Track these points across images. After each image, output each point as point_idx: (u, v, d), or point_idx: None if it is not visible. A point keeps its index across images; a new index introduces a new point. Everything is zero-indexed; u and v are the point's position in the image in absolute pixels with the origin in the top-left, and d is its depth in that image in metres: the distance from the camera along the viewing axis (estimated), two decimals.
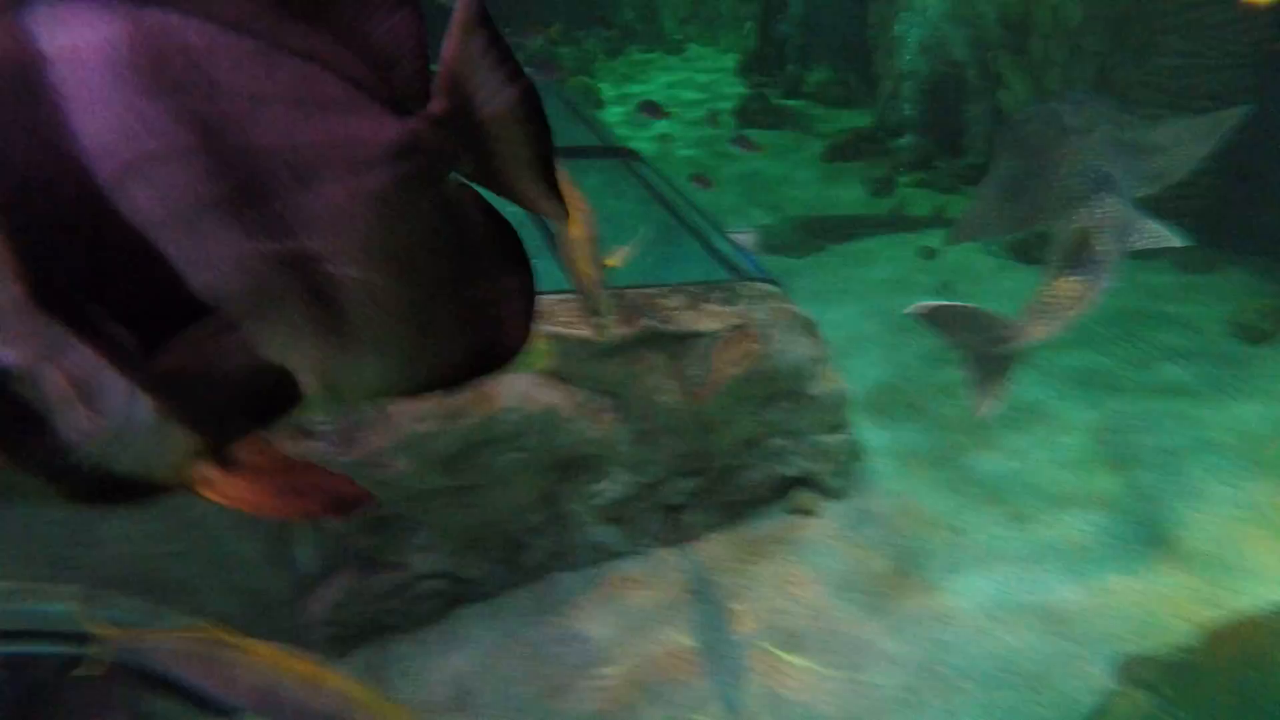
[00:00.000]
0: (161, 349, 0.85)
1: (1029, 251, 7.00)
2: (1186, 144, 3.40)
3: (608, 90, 12.38)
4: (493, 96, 1.02)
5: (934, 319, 3.20)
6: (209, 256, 0.85)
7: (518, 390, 3.33)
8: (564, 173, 2.36)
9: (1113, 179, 3.15)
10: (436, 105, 1.00)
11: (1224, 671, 2.75)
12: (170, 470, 0.94)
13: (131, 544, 3.09)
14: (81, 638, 2.90)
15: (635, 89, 12.69)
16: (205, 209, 0.84)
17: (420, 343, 1.05)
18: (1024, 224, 3.79)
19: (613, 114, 11.15)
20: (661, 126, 9.86)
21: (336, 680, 2.20)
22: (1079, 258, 3.04)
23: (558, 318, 3.34)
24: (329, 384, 1.01)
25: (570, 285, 2.11)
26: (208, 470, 0.97)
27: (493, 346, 1.12)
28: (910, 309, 3.25)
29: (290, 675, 2.19)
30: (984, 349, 3.16)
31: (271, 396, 0.98)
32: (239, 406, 0.96)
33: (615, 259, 2.26)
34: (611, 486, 3.84)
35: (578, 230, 2.20)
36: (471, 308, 1.09)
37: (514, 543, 3.80)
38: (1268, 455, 4.61)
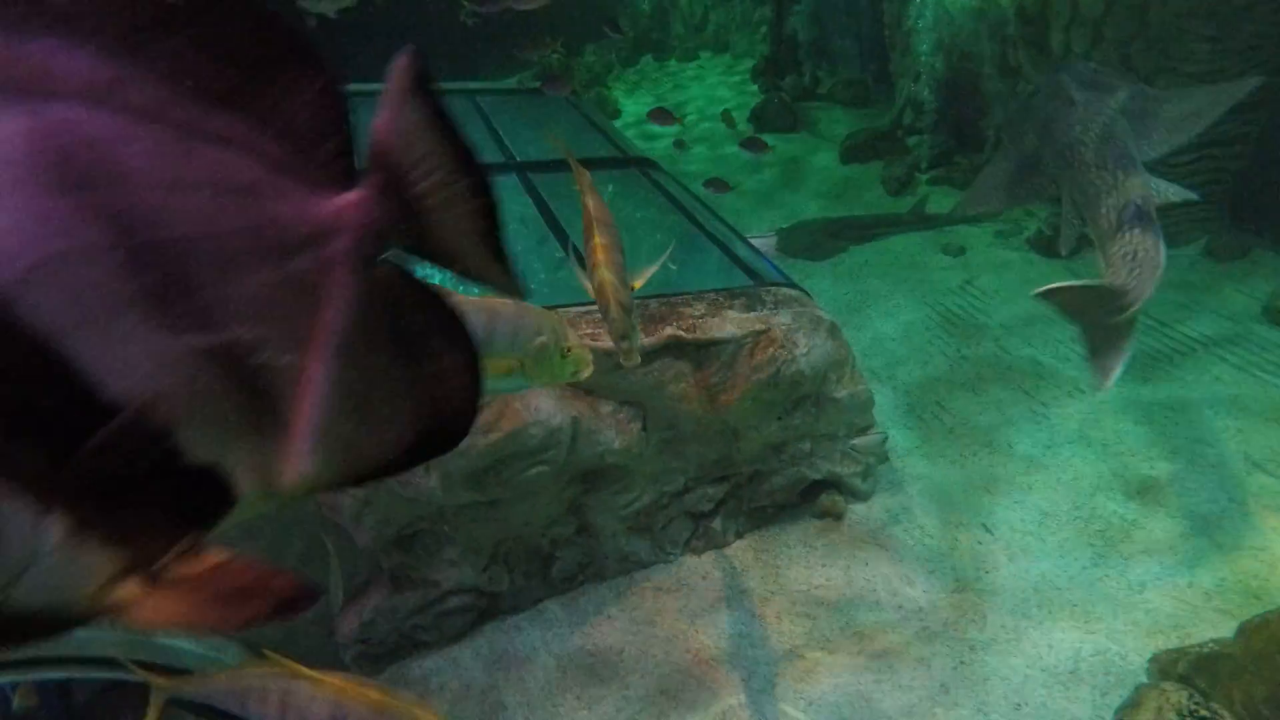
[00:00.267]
0: (72, 461, 0.78)
1: (1050, 246, 6.91)
2: (1193, 111, 3.41)
3: (623, 100, 12.43)
4: (432, 169, 0.98)
5: (1056, 300, 3.21)
6: (128, 358, 0.80)
7: (542, 404, 3.34)
8: (595, 193, 2.36)
9: (1119, 144, 3.17)
10: (367, 182, 0.96)
11: (1257, 663, 2.68)
12: (88, 598, 0.85)
13: None
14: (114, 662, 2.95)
15: (650, 98, 12.73)
16: (121, 308, 0.79)
17: (361, 429, 1.00)
18: (1033, 193, 3.82)
19: (628, 123, 11.19)
20: (675, 131, 9.87)
21: (405, 706, 2.20)
22: (1123, 217, 3.06)
23: (581, 329, 3.35)
24: (265, 480, 0.95)
25: (594, 302, 2.09)
26: (132, 590, 0.88)
27: (439, 427, 1.07)
28: (1035, 292, 3.26)
29: (359, 703, 2.20)
30: (1105, 319, 3.16)
31: (201, 501, 0.91)
32: (164, 516, 0.89)
33: (639, 280, 2.24)
34: (638, 496, 3.84)
35: (602, 254, 2.19)
36: (414, 389, 1.04)
37: (542, 555, 3.80)
38: None
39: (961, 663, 3.46)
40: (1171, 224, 6.64)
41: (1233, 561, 3.82)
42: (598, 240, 2.22)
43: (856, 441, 4.22)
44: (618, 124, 10.65)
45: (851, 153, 9.27)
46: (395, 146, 0.97)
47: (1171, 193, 3.12)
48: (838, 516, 4.28)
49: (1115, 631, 3.53)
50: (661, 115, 7.60)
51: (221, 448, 0.89)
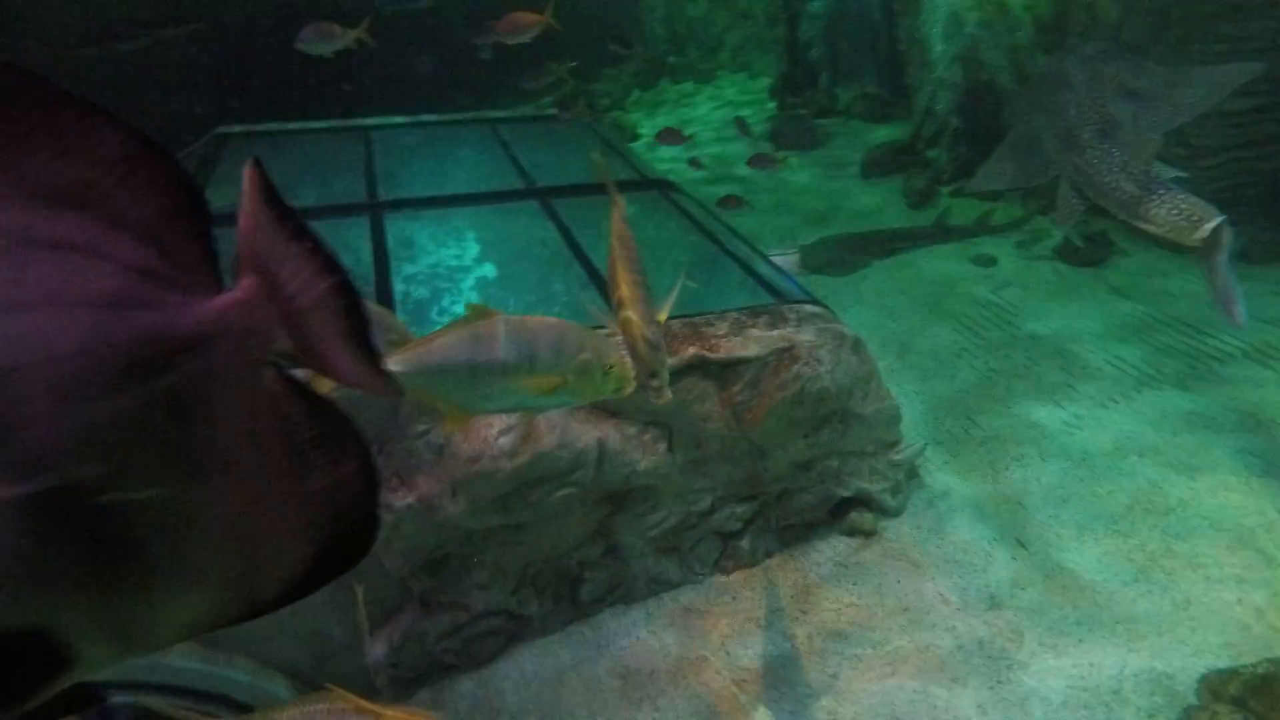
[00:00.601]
0: None
1: (1077, 255, 6.83)
2: (1196, 92, 3.42)
3: (642, 123, 12.53)
4: (296, 272, 0.92)
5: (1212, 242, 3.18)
6: None
7: (569, 426, 3.35)
8: (624, 225, 2.39)
9: (1118, 124, 3.20)
10: (243, 285, 0.89)
11: None
12: None
13: None
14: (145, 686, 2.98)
15: (670, 120, 12.82)
16: None
17: (242, 560, 0.89)
18: (1039, 172, 3.86)
19: (647, 147, 11.27)
20: (693, 152, 9.91)
21: None
22: (1149, 186, 3.07)
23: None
24: (120, 634, 0.81)
25: (621, 337, 2.10)
26: None
27: (337, 544, 0.98)
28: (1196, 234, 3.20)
29: None
30: (1221, 262, 3.16)
31: (21, 670, 0.76)
32: None
33: (664, 311, 2.26)
34: (666, 517, 3.82)
35: (628, 290, 2.20)
36: (303, 507, 0.95)
37: (571, 578, 3.79)
38: None
39: (999, 682, 3.39)
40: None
41: None
42: (622, 275, 2.23)
43: (896, 455, 4.18)
44: (637, 146, 10.74)
45: (871, 167, 9.26)
46: (261, 250, 0.92)
47: (1168, 173, 3.14)
48: (868, 534, 4.22)
49: (1161, 650, 3.43)
50: (670, 135, 7.63)
51: (54, 609, 0.74)
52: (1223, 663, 3.24)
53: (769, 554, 4.16)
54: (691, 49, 15.75)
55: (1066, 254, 6.91)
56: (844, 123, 11.02)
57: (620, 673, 3.59)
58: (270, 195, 0.94)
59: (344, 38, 4.76)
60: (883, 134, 10.25)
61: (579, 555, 3.75)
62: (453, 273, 4.52)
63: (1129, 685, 3.29)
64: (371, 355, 1.00)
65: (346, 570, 1.00)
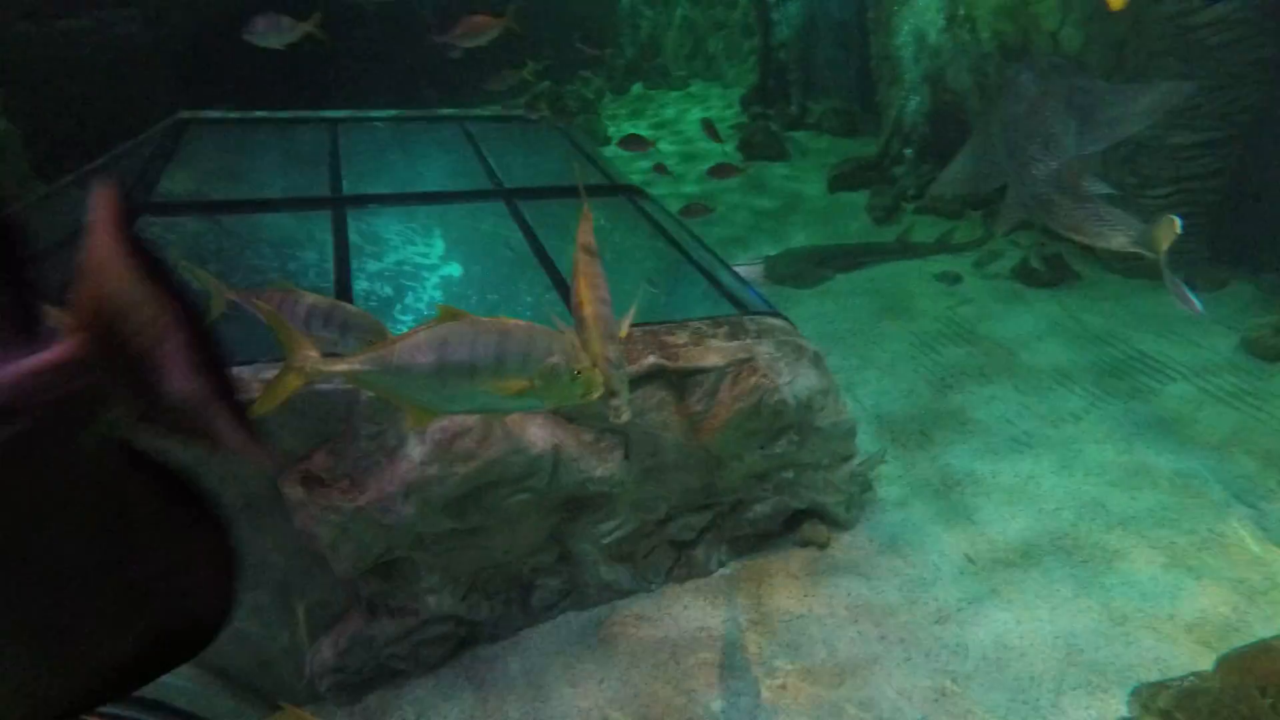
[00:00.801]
0: None
1: (1034, 276, 6.98)
2: (1134, 108, 3.59)
3: (614, 128, 12.54)
4: (147, 325, 0.78)
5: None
6: None
7: (525, 431, 3.33)
8: (591, 240, 2.39)
9: (1058, 138, 3.33)
10: (68, 338, 0.76)
11: (1235, 698, 2.67)
12: None
13: None
14: None
15: (643, 126, 12.84)
16: None
17: (70, 650, 0.79)
18: (989, 180, 4.01)
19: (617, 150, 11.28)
20: (657, 158, 9.92)
21: None
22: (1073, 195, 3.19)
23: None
24: None
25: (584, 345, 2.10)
26: None
27: (183, 628, 0.87)
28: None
29: None
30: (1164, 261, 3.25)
31: None
32: None
33: (624, 327, 2.26)
34: (620, 524, 3.82)
35: (590, 309, 2.21)
36: (144, 588, 0.84)
37: (523, 584, 3.77)
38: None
39: (943, 695, 3.44)
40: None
41: (1213, 593, 3.83)
42: (585, 293, 2.24)
43: (839, 471, 4.22)
44: (607, 150, 10.74)
45: (838, 181, 9.37)
46: (103, 294, 0.77)
47: (1100, 188, 3.27)
48: (821, 545, 4.27)
49: (1097, 664, 3.52)
50: (635, 142, 7.62)
51: None
52: (1153, 676, 3.33)
53: (722, 564, 4.18)
54: (666, 56, 15.81)
55: (1024, 275, 7.06)
56: (814, 136, 11.15)
57: (571, 680, 3.58)
58: (124, 226, 0.79)
59: (294, 31, 4.63)
60: (851, 149, 10.39)
61: (532, 561, 3.73)
62: (417, 271, 4.47)
63: (1067, 699, 3.37)
64: (241, 419, 0.86)
65: (187, 659, 0.88)
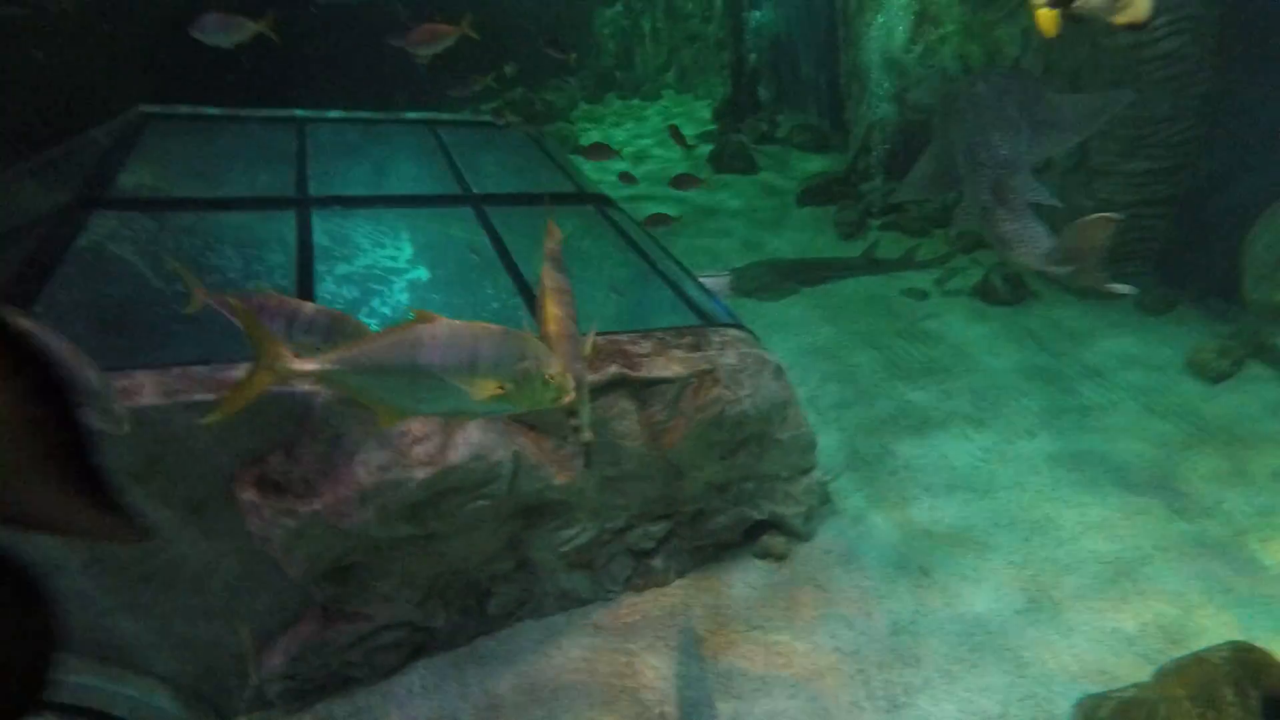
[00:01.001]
0: None
1: (994, 294, 7.13)
2: (1080, 118, 3.79)
3: (584, 137, 12.57)
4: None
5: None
6: None
7: (484, 438, 3.32)
8: (557, 264, 2.40)
9: (1007, 144, 3.49)
10: None
11: (1171, 707, 2.76)
12: None
13: (81, 599, 3.02)
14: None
15: (612, 134, 12.89)
16: None
17: None
18: (946, 187, 4.18)
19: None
20: (629, 166, 9.95)
21: None
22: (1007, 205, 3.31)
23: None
24: None
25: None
26: None
27: None
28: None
29: None
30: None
31: None
32: None
33: (588, 346, 2.28)
34: (580, 532, 3.81)
35: (555, 326, 2.22)
36: None
37: (480, 591, 3.75)
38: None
39: (895, 706, 3.48)
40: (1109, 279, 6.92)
41: (1153, 606, 3.93)
42: (550, 310, 2.25)
43: (798, 483, 4.26)
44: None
45: (806, 196, 9.49)
46: None
47: (1042, 195, 3.41)
48: (779, 557, 4.30)
49: (1044, 676, 3.59)
50: (599, 150, 7.62)
51: None
52: (1098, 688, 3.41)
53: (681, 573, 4.19)
54: (640, 66, 15.90)
55: (985, 293, 7.20)
56: (783, 150, 11.27)
57: (525, 688, 3.57)
58: None
59: (244, 30, 4.53)
60: (819, 164, 10.53)
61: (489, 568, 3.71)
62: (383, 274, 4.44)
63: (1013, 711, 3.44)
64: (105, 499, 0.77)
65: None
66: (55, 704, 2.84)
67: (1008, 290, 7.11)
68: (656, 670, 3.66)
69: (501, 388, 1.94)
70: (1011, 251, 3.27)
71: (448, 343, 1.90)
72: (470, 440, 3.24)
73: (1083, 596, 4.02)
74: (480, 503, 3.38)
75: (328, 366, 1.88)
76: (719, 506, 4.14)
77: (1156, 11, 2.80)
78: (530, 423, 3.46)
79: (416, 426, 3.18)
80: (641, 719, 3.43)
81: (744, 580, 4.18)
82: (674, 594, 4.09)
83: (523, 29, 11.84)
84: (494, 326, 1.97)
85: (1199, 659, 2.85)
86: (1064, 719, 3.34)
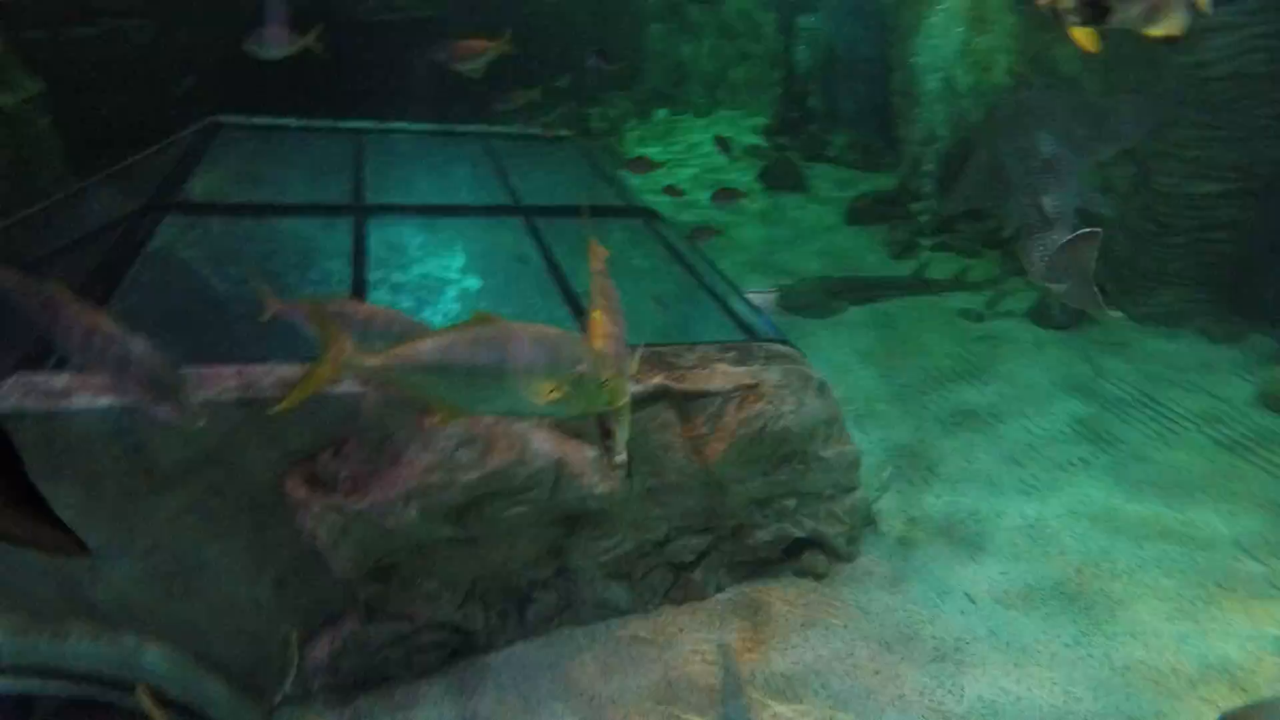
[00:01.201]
0: None
1: (1048, 318, 6.97)
2: (1130, 120, 3.73)
3: (635, 150, 12.67)
4: None
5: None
6: None
7: (528, 443, 3.36)
8: (606, 279, 2.43)
9: (1058, 158, 3.44)
10: None
11: None
12: None
13: (138, 584, 3.13)
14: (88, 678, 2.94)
15: (662, 148, 12.96)
16: None
17: None
18: (994, 197, 4.13)
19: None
20: (668, 179, 9.95)
21: None
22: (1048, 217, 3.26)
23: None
24: None
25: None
26: None
27: None
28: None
29: None
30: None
31: None
32: None
33: (634, 365, 2.31)
34: (620, 542, 3.83)
35: (604, 343, 2.24)
36: None
37: (520, 597, 3.78)
38: None
39: None
40: (1172, 305, 6.73)
41: (1218, 649, 3.78)
42: (599, 326, 2.28)
43: (841, 502, 4.21)
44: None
45: (856, 214, 9.42)
46: None
47: (1094, 202, 3.37)
48: (820, 576, 4.25)
49: (1094, 715, 3.48)
50: (640, 164, 7.65)
51: None
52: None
53: (720, 588, 4.17)
54: (692, 83, 15.98)
55: (1039, 316, 7.04)
56: (834, 168, 11.21)
57: (562, 696, 3.58)
58: None
59: (293, 43, 4.71)
60: (871, 183, 10.44)
61: (529, 574, 3.74)
62: (436, 282, 4.54)
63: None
64: (48, 515, 0.76)
65: None
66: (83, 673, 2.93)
67: (1062, 314, 6.94)
68: (691, 685, 3.63)
69: (557, 389, 1.97)
70: (1028, 265, 3.23)
71: (507, 343, 1.94)
72: (514, 445, 3.28)
73: (1138, 634, 3.89)
74: (522, 508, 3.41)
75: (390, 363, 1.94)
76: (760, 522, 4.11)
77: (1219, 29, 2.76)
78: (575, 430, 3.49)
79: (462, 429, 3.24)
80: None
81: (783, 598, 4.14)
82: (712, 609, 4.07)
83: (575, 45, 12.01)
84: (551, 329, 2.00)
85: (1263, 705, 2.73)
86: None
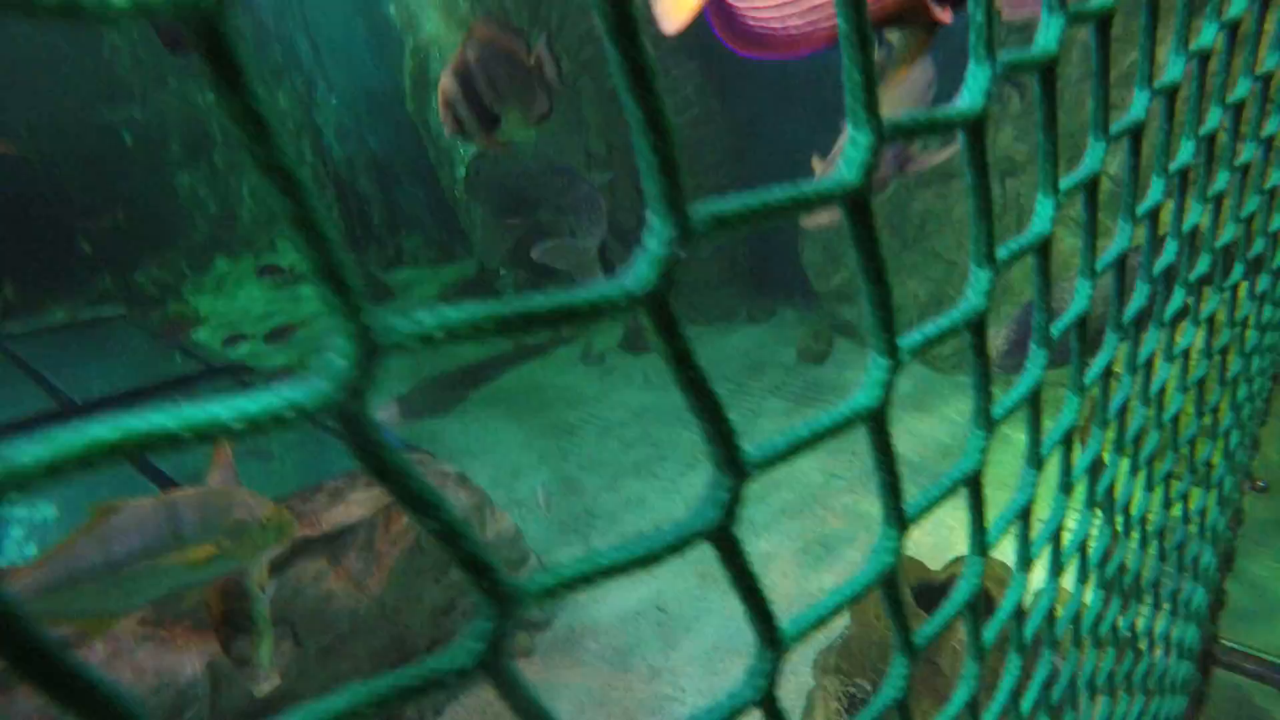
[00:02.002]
0: None
1: (637, 345, 7.93)
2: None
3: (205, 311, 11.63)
4: None
5: None
6: None
7: (162, 656, 2.93)
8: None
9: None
10: None
11: (864, 633, 3.31)
12: None
13: None
14: None
15: (225, 305, 12.08)
16: None
17: None
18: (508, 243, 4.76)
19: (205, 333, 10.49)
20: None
21: None
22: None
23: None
24: None
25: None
26: None
27: None
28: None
29: None
30: None
31: None
32: None
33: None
34: None
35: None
36: None
37: None
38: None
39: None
40: (721, 301, 8.07)
41: (844, 571, 4.66)
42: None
43: (534, 564, 4.35)
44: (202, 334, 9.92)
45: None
46: None
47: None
48: (527, 653, 4.32)
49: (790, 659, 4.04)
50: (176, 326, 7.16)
51: None
52: (821, 643, 3.93)
53: (438, 711, 4.02)
54: (245, 221, 15.13)
55: (628, 344, 7.97)
56: (414, 272, 11.48)
57: None
58: None
59: None
60: (453, 272, 10.89)
61: None
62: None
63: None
64: None
65: None
66: None
67: (641, 339, 7.93)
68: None
69: (218, 546, 1.83)
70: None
71: (141, 524, 1.75)
72: (144, 666, 2.85)
73: (764, 568, 4.62)
74: None
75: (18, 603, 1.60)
76: (451, 628, 4.06)
77: None
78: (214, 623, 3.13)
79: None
80: None
81: (493, 699, 4.12)
82: None
83: (97, 209, 10.71)
84: (188, 489, 1.86)
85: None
86: (809, 683, 3.79)
